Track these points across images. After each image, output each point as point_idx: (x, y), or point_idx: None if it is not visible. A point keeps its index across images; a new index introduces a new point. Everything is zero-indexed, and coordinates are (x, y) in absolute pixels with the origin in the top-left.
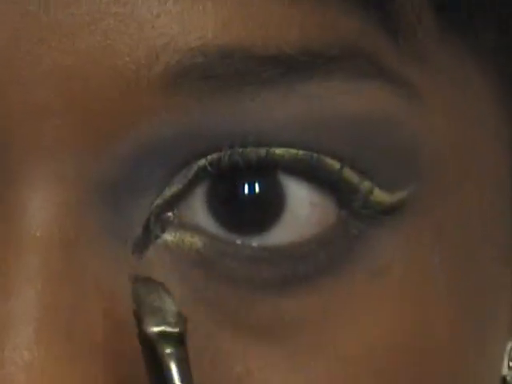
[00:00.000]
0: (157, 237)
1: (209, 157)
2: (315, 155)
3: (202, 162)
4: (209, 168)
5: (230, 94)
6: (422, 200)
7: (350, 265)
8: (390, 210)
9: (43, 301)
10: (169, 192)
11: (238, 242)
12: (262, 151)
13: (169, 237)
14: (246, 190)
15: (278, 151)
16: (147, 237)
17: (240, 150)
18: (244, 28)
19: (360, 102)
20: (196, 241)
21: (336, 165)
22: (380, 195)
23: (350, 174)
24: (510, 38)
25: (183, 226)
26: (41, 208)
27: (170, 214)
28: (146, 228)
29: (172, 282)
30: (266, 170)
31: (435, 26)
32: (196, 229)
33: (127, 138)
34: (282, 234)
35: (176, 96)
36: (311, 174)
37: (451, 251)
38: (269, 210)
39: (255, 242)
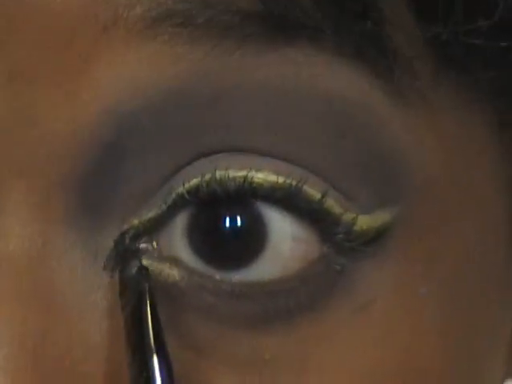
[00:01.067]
0: (131, 259)
1: (186, 184)
2: (294, 183)
3: (180, 189)
4: (187, 196)
5: (207, 47)
6: (409, 226)
7: (332, 301)
8: (374, 239)
9: (11, 328)
10: (146, 216)
11: (218, 276)
12: (240, 178)
13: (145, 263)
14: (228, 223)
15: (257, 179)
16: (120, 257)
17: (217, 175)
18: None
19: (338, 82)
20: (174, 273)
21: (317, 194)
22: (363, 222)
23: (331, 204)
24: (509, 80)
25: (161, 255)
26: (9, 223)
27: (147, 241)
28: (121, 249)
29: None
30: (246, 198)
31: (432, 66)
32: (174, 260)
33: (97, 110)
34: (263, 269)
35: (152, 43)
36: (292, 202)
37: (441, 283)
38: (250, 244)
39: (235, 276)
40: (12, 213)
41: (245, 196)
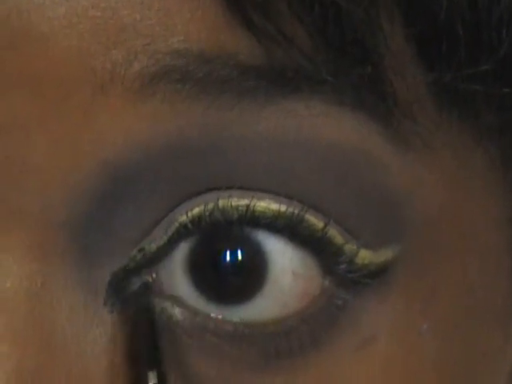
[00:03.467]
0: (131, 294)
1: (189, 213)
2: (296, 211)
3: (183, 218)
4: (189, 226)
5: (206, 102)
6: (410, 264)
7: (334, 338)
8: (376, 273)
9: (8, 365)
10: (146, 249)
11: (219, 315)
12: (243, 207)
13: (145, 300)
14: (228, 257)
15: (259, 207)
16: (120, 292)
17: (220, 203)
18: (231, 35)
19: (338, 130)
20: (176, 312)
21: (319, 224)
22: (365, 256)
23: (333, 234)
24: (509, 116)
25: (162, 291)
26: (7, 262)
27: (148, 275)
28: (120, 284)
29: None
30: (248, 230)
31: (434, 108)
32: (175, 298)
33: (95, 162)
34: (264, 305)
35: (150, 100)
36: (294, 231)
37: (442, 319)
38: (251, 279)
39: (236, 315)
40: (11, 252)
41: (247, 225)
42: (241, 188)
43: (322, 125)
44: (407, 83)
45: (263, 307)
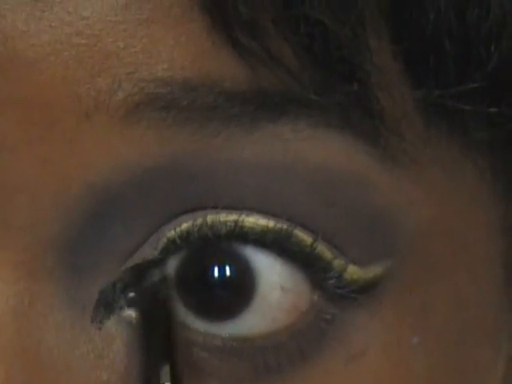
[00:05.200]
0: (119, 310)
1: (178, 229)
2: (285, 227)
3: (172, 233)
4: (178, 241)
5: (192, 128)
6: (401, 279)
7: (323, 352)
8: (365, 289)
9: None
10: (136, 264)
11: (208, 330)
12: (231, 222)
13: (133, 314)
14: (216, 273)
15: (248, 222)
16: (109, 308)
17: (208, 219)
18: (216, 59)
19: (325, 152)
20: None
21: (308, 239)
22: (354, 272)
23: (322, 249)
24: (501, 134)
25: (150, 305)
26: None
27: (136, 291)
28: (109, 300)
29: (132, 361)
30: (236, 245)
31: (422, 123)
32: (163, 310)
33: (86, 185)
34: (252, 320)
35: (136, 127)
36: (282, 247)
37: (433, 334)
38: (239, 294)
39: (225, 330)
40: None
41: (236, 240)
42: (229, 208)
43: (308, 148)
44: (394, 100)
45: (252, 322)
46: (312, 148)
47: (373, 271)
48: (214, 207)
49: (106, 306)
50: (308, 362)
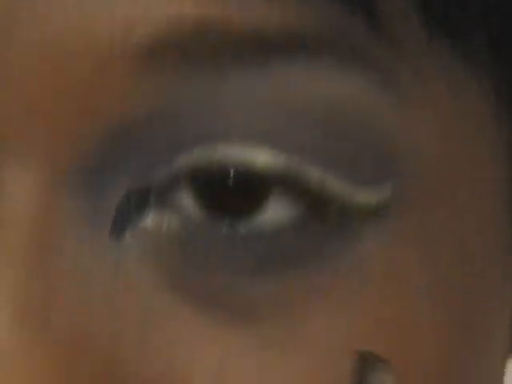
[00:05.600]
0: (136, 220)
1: (190, 156)
2: (294, 161)
3: (184, 159)
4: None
5: (204, 71)
6: (406, 207)
7: (326, 260)
8: (371, 214)
9: (15, 289)
10: (150, 179)
11: (219, 225)
12: (242, 166)
13: (148, 220)
14: (231, 174)
15: (260, 162)
16: (124, 220)
17: (219, 154)
18: (224, 3)
19: (334, 84)
20: (175, 224)
21: (316, 173)
22: (361, 196)
23: (330, 180)
24: (503, 46)
25: (162, 208)
26: (13, 188)
27: (149, 196)
28: (123, 211)
29: (149, 266)
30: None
31: (422, 32)
32: (176, 211)
33: (99, 118)
34: (264, 218)
35: (149, 70)
36: (291, 182)
37: (438, 283)
38: (251, 196)
39: (237, 226)
40: (21, 183)
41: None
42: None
43: (317, 82)
44: (395, 8)
45: (263, 220)
46: (321, 82)
47: (378, 196)
48: (226, 143)
49: (122, 219)
50: (310, 263)
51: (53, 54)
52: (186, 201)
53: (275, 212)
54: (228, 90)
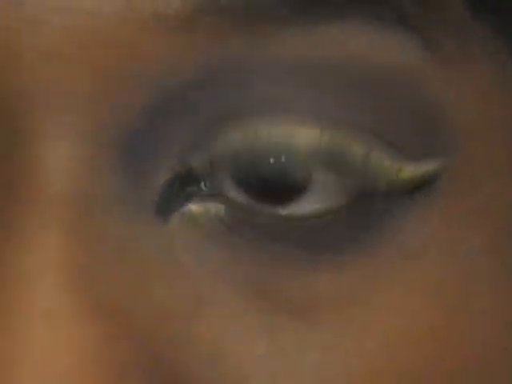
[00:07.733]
0: (181, 204)
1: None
2: (338, 145)
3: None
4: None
5: (245, 32)
6: (452, 181)
7: (377, 244)
8: (419, 188)
9: (59, 255)
10: (193, 162)
11: (264, 211)
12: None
13: (193, 206)
14: (271, 160)
15: (301, 140)
16: (171, 201)
17: (259, 131)
18: None
19: (378, 50)
20: (221, 210)
21: (360, 150)
22: (408, 169)
23: (376, 151)
24: None
25: (208, 195)
26: (56, 164)
27: (194, 184)
28: (168, 194)
29: (195, 252)
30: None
31: (467, 11)
32: (221, 198)
33: (143, 85)
34: (307, 204)
35: (193, 34)
36: (336, 162)
37: (496, 234)
38: (294, 181)
39: (281, 211)
40: (62, 164)
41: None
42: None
43: (361, 46)
44: None
45: (307, 205)
46: (365, 46)
47: (425, 168)
48: (266, 119)
49: (168, 200)
50: (360, 249)
51: (94, 24)
52: (229, 185)
53: (319, 195)
54: (270, 50)
